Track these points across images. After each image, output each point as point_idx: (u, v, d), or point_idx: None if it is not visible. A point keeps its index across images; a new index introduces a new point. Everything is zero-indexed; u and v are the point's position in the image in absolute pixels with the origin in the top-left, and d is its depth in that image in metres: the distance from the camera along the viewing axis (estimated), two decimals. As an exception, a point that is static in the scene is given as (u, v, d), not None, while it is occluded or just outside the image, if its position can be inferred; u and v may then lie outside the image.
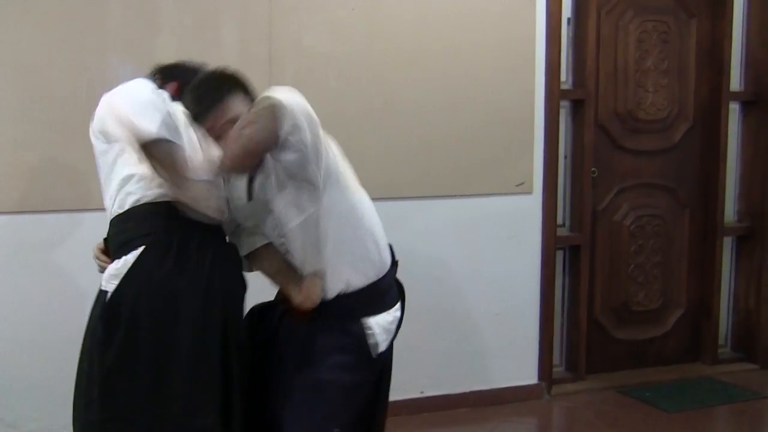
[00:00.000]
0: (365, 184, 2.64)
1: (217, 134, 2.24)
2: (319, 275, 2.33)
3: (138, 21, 3.42)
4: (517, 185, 4.10)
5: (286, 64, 3.62)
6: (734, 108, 4.74)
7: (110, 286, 2.29)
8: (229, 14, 3.56)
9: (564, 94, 4.26)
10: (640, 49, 4.46)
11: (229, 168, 2.21)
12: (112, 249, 2.39)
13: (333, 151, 2.33)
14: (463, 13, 3.90)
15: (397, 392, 3.89)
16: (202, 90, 2.29)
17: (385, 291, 2.46)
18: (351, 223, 2.36)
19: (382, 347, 2.43)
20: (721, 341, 4.84)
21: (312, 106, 2.45)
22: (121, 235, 2.35)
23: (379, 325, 2.41)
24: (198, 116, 2.27)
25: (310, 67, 3.68)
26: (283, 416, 2.37)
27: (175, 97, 2.40)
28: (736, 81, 4.72)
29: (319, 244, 2.31)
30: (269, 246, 2.39)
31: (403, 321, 2.53)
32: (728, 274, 4.86)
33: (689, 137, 4.65)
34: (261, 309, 2.54)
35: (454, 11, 3.88)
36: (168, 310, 2.28)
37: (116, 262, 2.31)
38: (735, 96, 4.69)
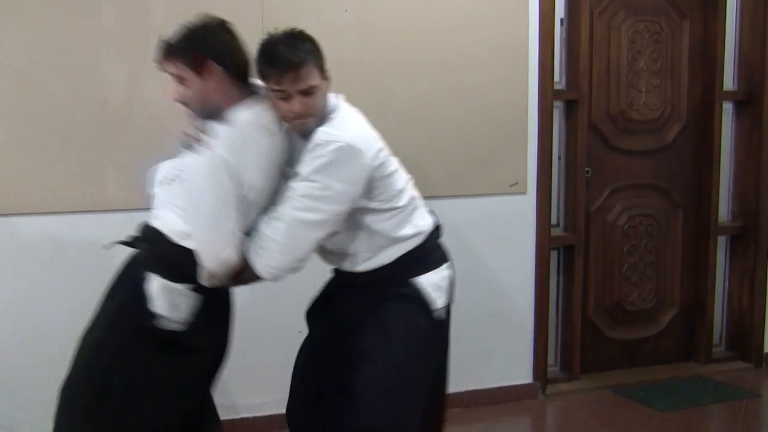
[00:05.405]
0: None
1: (284, 97, 2.30)
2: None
3: (130, 24, 3.42)
4: (511, 185, 4.11)
5: (279, 66, 3.62)
6: (727, 108, 4.75)
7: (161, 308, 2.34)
8: (221, 17, 3.55)
9: (557, 94, 4.26)
10: (632, 50, 4.47)
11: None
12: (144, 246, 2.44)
13: (383, 163, 2.43)
14: (455, 15, 3.90)
15: (392, 393, 3.93)
16: (278, 51, 2.31)
17: (426, 254, 2.49)
18: (390, 212, 2.42)
19: (439, 303, 2.47)
20: (714, 340, 4.86)
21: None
22: (161, 252, 2.38)
23: (429, 282, 2.45)
24: (268, 76, 2.32)
25: (303, 69, 3.67)
26: (355, 384, 2.39)
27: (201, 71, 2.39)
28: (729, 80, 4.73)
29: (356, 233, 2.41)
30: None
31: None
32: (722, 274, 4.87)
33: (682, 137, 4.67)
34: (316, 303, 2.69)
35: (447, 13, 3.88)
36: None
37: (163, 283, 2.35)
38: (728, 96, 4.70)
